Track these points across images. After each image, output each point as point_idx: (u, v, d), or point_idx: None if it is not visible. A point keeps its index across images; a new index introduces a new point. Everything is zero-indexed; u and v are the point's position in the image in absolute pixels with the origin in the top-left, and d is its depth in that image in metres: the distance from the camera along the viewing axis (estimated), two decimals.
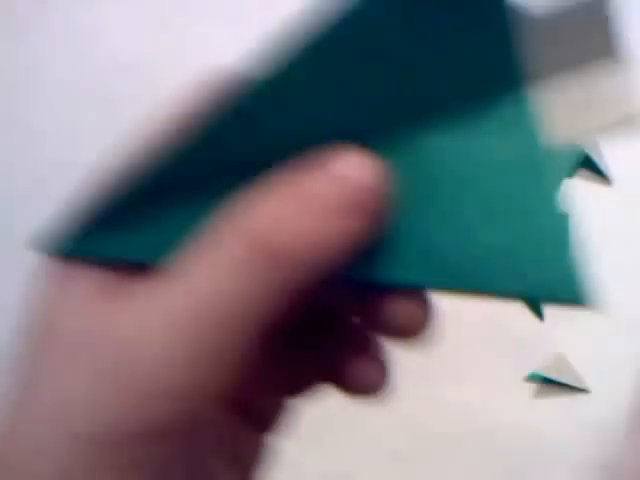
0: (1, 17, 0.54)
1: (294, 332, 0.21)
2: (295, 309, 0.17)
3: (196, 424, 0.17)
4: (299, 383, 0.22)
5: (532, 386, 0.44)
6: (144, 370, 0.16)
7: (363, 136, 0.17)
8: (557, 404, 0.44)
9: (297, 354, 0.22)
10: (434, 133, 0.18)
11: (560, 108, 0.17)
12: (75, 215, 0.18)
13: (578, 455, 0.43)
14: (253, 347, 0.17)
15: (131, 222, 0.18)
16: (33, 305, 0.18)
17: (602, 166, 0.47)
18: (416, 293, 0.19)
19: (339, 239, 0.16)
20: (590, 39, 0.17)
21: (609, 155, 0.47)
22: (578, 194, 0.50)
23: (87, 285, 0.17)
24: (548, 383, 0.44)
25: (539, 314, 0.45)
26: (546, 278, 0.17)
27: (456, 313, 0.44)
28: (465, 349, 0.45)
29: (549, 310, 0.45)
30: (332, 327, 0.21)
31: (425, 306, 0.19)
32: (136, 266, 0.18)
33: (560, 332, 0.45)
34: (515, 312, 0.45)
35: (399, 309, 0.19)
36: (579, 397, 0.44)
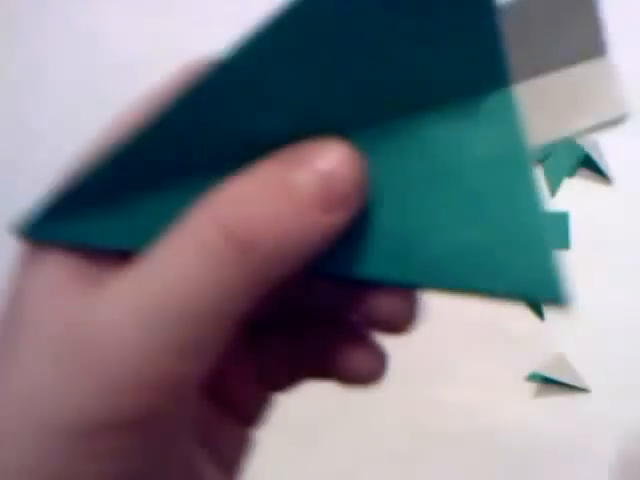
0: (1, 17, 0.54)
1: (276, 324, 0.22)
2: (271, 299, 0.17)
3: (169, 415, 0.17)
4: (283, 377, 0.22)
5: (532, 386, 0.44)
6: (113, 360, 0.15)
7: (343, 126, 0.17)
8: (557, 404, 0.44)
9: (280, 347, 0.22)
10: (414, 126, 0.17)
11: (544, 105, 0.17)
12: (50, 199, 0.17)
13: (578, 454, 0.43)
14: (224, 336, 0.17)
15: (106, 207, 0.17)
16: (7, 291, 0.18)
17: (602, 166, 0.47)
18: (398, 288, 0.19)
19: (315, 233, 0.16)
20: (576, 35, 0.17)
21: (609, 154, 0.47)
22: (578, 194, 0.51)
23: (58, 270, 0.17)
24: (548, 383, 0.44)
25: (540, 314, 0.45)
26: (524, 276, 0.17)
27: (456, 313, 0.44)
28: (465, 349, 0.45)
29: (549, 310, 0.45)
30: (319, 318, 0.21)
31: (409, 301, 0.19)
32: (108, 252, 0.18)
33: (560, 332, 0.45)
34: (515, 312, 0.45)
35: (382, 303, 0.19)
36: (579, 396, 0.44)
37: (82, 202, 0.17)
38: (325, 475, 0.43)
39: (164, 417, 0.17)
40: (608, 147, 0.47)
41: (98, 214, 0.18)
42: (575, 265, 0.46)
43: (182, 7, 0.54)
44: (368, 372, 0.21)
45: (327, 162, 0.16)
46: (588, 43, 0.16)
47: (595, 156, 0.47)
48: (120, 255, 0.18)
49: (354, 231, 0.17)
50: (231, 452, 0.22)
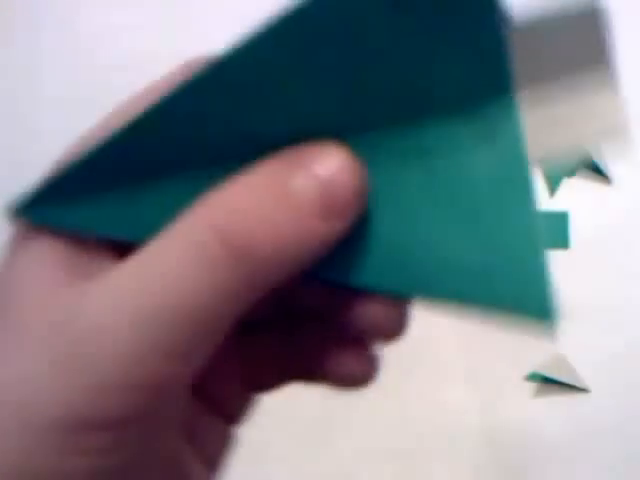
0: (0, 17, 0.54)
1: (263, 323, 0.21)
2: (264, 303, 0.17)
3: (157, 414, 0.17)
4: (267, 377, 0.22)
5: (532, 385, 0.44)
6: (103, 358, 0.15)
7: (343, 131, 0.17)
8: (557, 403, 0.44)
9: (266, 346, 0.22)
10: (415, 135, 0.17)
11: (547, 120, 0.17)
12: (45, 183, 0.17)
13: (578, 454, 0.43)
14: (216, 340, 0.17)
15: (101, 195, 0.17)
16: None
17: (602, 166, 0.47)
18: (388, 297, 0.18)
19: (313, 240, 0.16)
20: (580, 48, 0.17)
21: (609, 155, 0.48)
22: (578, 194, 0.51)
23: (47, 259, 0.17)
24: (548, 382, 0.44)
25: None
26: (516, 295, 0.17)
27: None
28: (465, 349, 0.45)
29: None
30: (307, 319, 0.21)
31: (399, 309, 0.19)
32: (98, 239, 0.18)
33: (560, 331, 0.45)
34: None
35: (372, 310, 0.19)
36: (579, 396, 0.44)
37: (77, 188, 0.17)
38: (326, 474, 0.43)
39: (152, 416, 0.17)
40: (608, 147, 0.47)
41: (92, 201, 0.17)
42: (574, 264, 0.46)
43: (182, 7, 0.54)
44: (357, 374, 0.20)
45: (327, 168, 0.16)
46: (593, 59, 0.16)
47: (595, 156, 0.47)
48: (109, 243, 0.18)
49: (350, 237, 0.17)
50: (214, 449, 0.22)
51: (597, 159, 0.47)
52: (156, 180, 0.17)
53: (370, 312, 0.19)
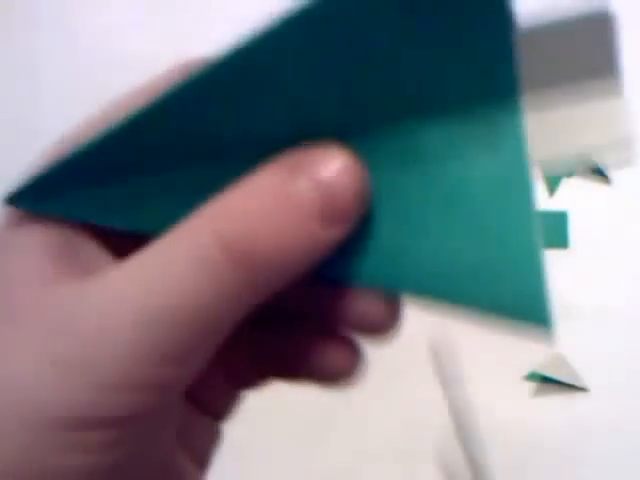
0: (0, 16, 0.54)
1: (247, 321, 0.21)
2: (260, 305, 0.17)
3: (155, 414, 0.17)
4: (251, 375, 0.22)
5: (531, 385, 0.44)
6: (105, 358, 0.15)
7: (345, 132, 0.17)
8: (556, 403, 0.44)
9: (250, 344, 0.21)
10: (417, 137, 0.17)
11: (551, 126, 0.17)
12: (40, 172, 0.17)
13: (577, 453, 0.43)
14: (216, 343, 0.17)
15: (98, 184, 0.17)
16: None
17: (601, 166, 0.47)
18: (380, 293, 0.19)
19: (314, 245, 0.16)
20: (587, 53, 0.16)
21: (612, 161, 0.48)
22: (578, 194, 0.51)
23: (43, 249, 0.17)
24: (547, 382, 0.44)
25: None
26: (513, 299, 0.17)
27: None
28: (465, 348, 0.45)
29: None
30: (291, 316, 0.21)
31: (392, 306, 0.19)
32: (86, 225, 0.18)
33: (559, 331, 0.45)
34: None
35: (365, 307, 0.19)
36: (578, 396, 0.44)
37: (73, 178, 0.17)
38: (325, 474, 0.43)
39: (151, 416, 0.17)
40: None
41: (87, 190, 0.18)
42: (573, 264, 0.46)
43: (183, 6, 0.54)
44: (342, 370, 0.20)
45: (328, 171, 0.16)
46: (600, 64, 0.16)
47: (594, 156, 0.47)
48: (96, 230, 0.18)
49: (349, 236, 0.17)
50: (203, 446, 0.22)
51: (596, 159, 0.47)
52: (155, 173, 0.17)
53: (362, 308, 0.19)
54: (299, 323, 0.21)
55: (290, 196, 0.16)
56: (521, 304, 0.17)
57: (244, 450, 0.42)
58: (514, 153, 0.17)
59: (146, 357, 0.16)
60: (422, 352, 0.45)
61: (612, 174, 0.48)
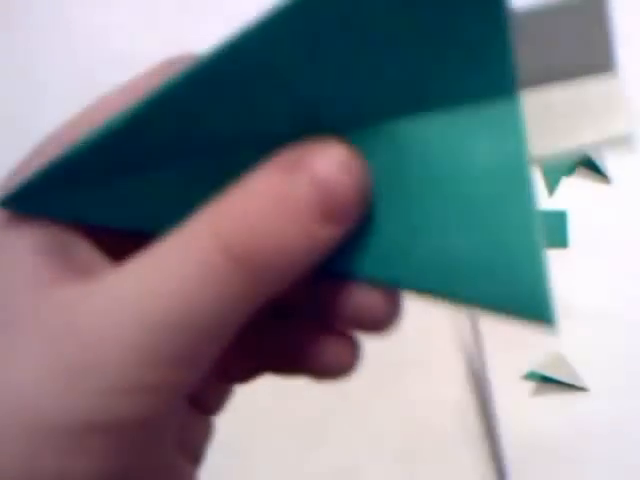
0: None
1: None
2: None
3: (161, 418, 0.17)
4: (243, 368, 0.22)
5: (530, 384, 0.44)
6: (110, 362, 0.15)
7: (343, 126, 0.17)
8: (555, 402, 0.44)
9: (241, 338, 0.22)
10: (416, 128, 0.17)
11: (547, 118, 0.17)
12: (38, 171, 0.17)
13: (576, 453, 0.43)
14: (220, 346, 0.17)
15: (94, 183, 0.17)
16: None
17: (601, 165, 0.47)
18: (380, 288, 0.18)
19: (315, 246, 0.16)
20: (583, 42, 0.16)
21: (608, 154, 0.48)
22: (576, 193, 0.51)
23: (37, 250, 0.17)
24: (546, 381, 0.44)
25: None
26: (514, 293, 0.17)
27: (454, 311, 0.44)
28: (463, 347, 0.45)
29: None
30: (286, 311, 0.21)
31: (392, 300, 0.19)
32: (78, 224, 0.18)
33: (558, 331, 0.45)
34: None
35: (361, 301, 0.18)
36: (577, 395, 0.44)
37: (68, 177, 0.17)
38: (324, 474, 0.43)
39: (154, 420, 0.16)
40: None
41: (83, 189, 0.17)
42: (573, 264, 0.46)
43: (183, 5, 0.54)
44: (338, 364, 0.20)
45: (327, 169, 0.16)
46: (597, 56, 0.16)
47: (594, 155, 0.47)
48: (87, 229, 0.18)
49: (349, 231, 0.17)
50: (196, 441, 0.22)
51: (596, 158, 0.47)
52: (151, 171, 0.17)
53: (361, 303, 0.19)
54: (295, 318, 0.21)
55: (289, 196, 0.16)
56: (523, 300, 0.17)
57: (243, 449, 0.42)
58: (514, 146, 0.17)
59: (149, 361, 0.15)
60: (423, 351, 0.45)
61: (611, 173, 0.48)
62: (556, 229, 0.47)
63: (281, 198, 0.16)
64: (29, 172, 0.17)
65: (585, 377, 0.44)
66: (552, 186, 0.47)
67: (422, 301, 0.18)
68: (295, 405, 0.43)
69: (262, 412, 0.43)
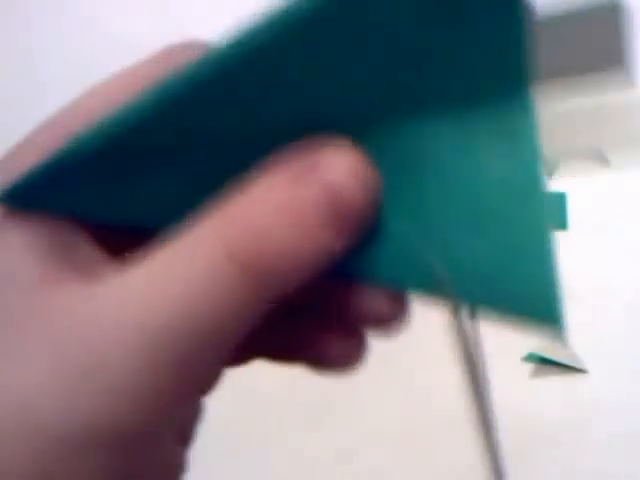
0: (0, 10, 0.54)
1: None
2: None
3: (164, 419, 0.17)
4: (240, 354, 0.21)
5: (529, 366, 0.44)
6: (115, 366, 0.15)
7: (354, 127, 0.16)
8: (555, 384, 0.44)
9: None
10: (427, 133, 0.17)
11: (561, 119, 0.16)
12: (38, 166, 0.17)
13: (575, 435, 0.43)
14: (225, 352, 0.16)
15: (95, 179, 0.17)
16: None
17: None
18: (387, 289, 0.18)
19: (322, 253, 0.16)
20: (599, 44, 0.16)
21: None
22: (577, 175, 0.50)
23: (36, 247, 0.17)
24: (546, 363, 0.44)
25: None
26: (524, 298, 0.16)
27: None
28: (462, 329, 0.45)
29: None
30: (290, 308, 0.20)
31: (400, 300, 0.19)
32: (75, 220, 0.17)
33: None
34: None
35: (369, 301, 0.18)
36: (577, 377, 0.44)
37: (69, 172, 0.17)
38: (325, 458, 0.43)
39: (156, 422, 0.16)
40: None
41: (84, 185, 0.17)
42: (573, 246, 0.46)
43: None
44: (343, 358, 0.20)
45: (335, 174, 0.15)
46: (611, 59, 0.16)
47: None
48: (86, 226, 0.17)
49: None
50: (186, 423, 0.21)
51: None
52: (153, 167, 0.17)
53: (368, 302, 0.18)
54: (302, 313, 0.21)
55: (295, 202, 0.15)
56: (532, 304, 0.17)
57: (244, 434, 0.43)
58: (527, 148, 0.16)
59: (150, 365, 0.15)
60: (422, 336, 0.45)
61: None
62: (556, 211, 0.47)
63: (287, 204, 0.15)
64: (21, 161, 0.17)
65: (584, 359, 0.44)
66: (552, 169, 0.47)
67: (427, 300, 0.18)
68: (294, 389, 0.43)
69: (262, 396, 0.43)
